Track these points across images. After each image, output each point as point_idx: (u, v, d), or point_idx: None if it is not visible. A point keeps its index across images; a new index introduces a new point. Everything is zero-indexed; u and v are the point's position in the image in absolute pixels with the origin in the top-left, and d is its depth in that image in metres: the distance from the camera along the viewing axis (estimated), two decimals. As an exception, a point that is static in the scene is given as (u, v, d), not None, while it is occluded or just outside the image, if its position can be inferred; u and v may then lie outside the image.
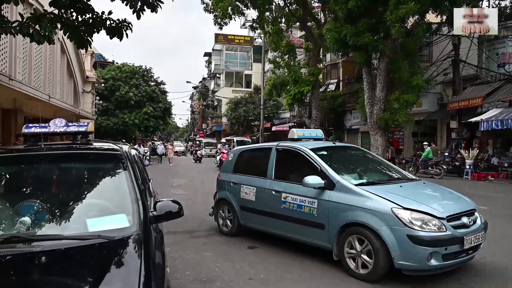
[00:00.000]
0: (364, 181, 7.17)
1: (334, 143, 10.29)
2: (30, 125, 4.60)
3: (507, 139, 23.09)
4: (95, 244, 3.16)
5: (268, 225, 8.14)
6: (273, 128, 49.98)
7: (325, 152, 7.92)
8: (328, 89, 39.18)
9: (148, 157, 35.59)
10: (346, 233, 6.50)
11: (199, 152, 43.53)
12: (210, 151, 50.98)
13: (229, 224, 9.25)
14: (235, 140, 44.70)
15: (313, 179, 6.89)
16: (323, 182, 6.87)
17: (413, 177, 8.28)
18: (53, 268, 2.98)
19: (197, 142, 57.72)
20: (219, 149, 34.52)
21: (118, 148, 4.55)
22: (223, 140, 38.03)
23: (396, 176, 7.85)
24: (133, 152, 4.92)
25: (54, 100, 18.97)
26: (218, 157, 32.21)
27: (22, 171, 4.32)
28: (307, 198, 7.17)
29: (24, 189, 4.07)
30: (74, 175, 4.42)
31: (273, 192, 7.89)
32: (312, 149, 7.74)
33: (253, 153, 10.01)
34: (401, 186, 7.02)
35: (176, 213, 3.82)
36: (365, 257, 6.19)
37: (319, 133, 9.47)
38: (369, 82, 24.80)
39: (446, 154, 24.51)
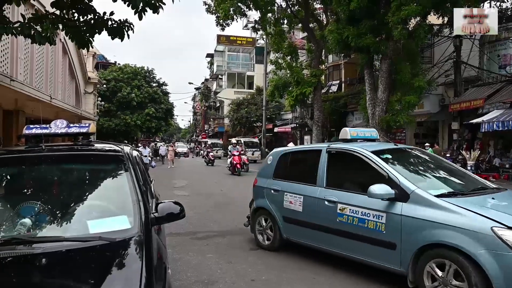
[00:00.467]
0: (445, 191, 5.93)
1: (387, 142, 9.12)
2: (31, 126, 4.59)
3: (508, 140, 23.07)
4: (96, 245, 3.16)
5: (319, 241, 6.98)
6: (275, 129, 49.97)
7: (389, 156, 6.82)
8: (330, 90, 39.20)
9: (151, 159, 34.80)
10: (426, 256, 5.41)
11: (211, 154, 39.62)
12: (216, 152, 50.49)
13: (270, 236, 8.12)
14: (242, 141, 42.73)
15: (381, 189, 5.81)
16: (393, 192, 5.78)
17: (495, 185, 6.86)
18: (53, 270, 2.97)
19: (210, 144, 52.76)
20: (230, 151, 30.74)
21: (119, 149, 4.53)
22: (234, 140, 35.02)
23: (479, 186, 6.54)
24: (135, 153, 4.91)
25: (56, 101, 18.99)
26: (229, 160, 29.11)
27: (23, 172, 4.31)
28: (371, 211, 6.06)
29: (25, 191, 4.05)
30: (75, 176, 4.40)
31: (326, 203, 6.75)
32: (374, 152, 6.64)
33: (297, 155, 8.64)
34: (493, 198, 5.82)
35: (178, 214, 3.81)
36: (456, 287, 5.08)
37: (373, 133, 8.25)
38: (371, 83, 24.80)
39: (448, 155, 24.47)
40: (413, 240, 5.54)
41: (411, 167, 6.99)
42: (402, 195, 5.79)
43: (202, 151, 57.46)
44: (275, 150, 9.09)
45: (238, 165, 27.14)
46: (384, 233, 5.88)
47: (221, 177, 25.43)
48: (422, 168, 7.07)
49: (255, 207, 8.56)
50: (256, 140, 45.07)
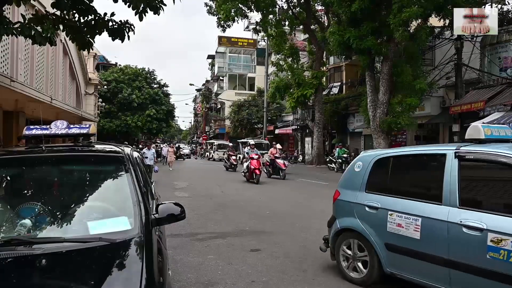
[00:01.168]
0: None
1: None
2: (31, 126, 4.59)
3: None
4: (96, 246, 3.15)
5: (451, 284, 5.00)
6: (276, 131, 50.04)
7: None
8: (331, 92, 39.27)
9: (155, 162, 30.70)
10: None
11: (233, 157, 32.49)
12: (223, 154, 49.39)
13: (361, 267, 6.21)
14: (251, 142, 37.42)
15: None
16: None
17: None
18: (53, 271, 2.96)
19: (231, 146, 39.89)
20: (247, 153, 25.56)
21: (120, 150, 4.52)
22: (252, 142, 28.56)
23: None
24: (135, 154, 4.90)
25: (56, 102, 18.96)
26: (245, 164, 24.11)
27: (23, 173, 4.30)
28: None
29: (25, 192, 4.06)
30: (76, 177, 4.40)
31: (465, 230, 4.81)
32: None
33: (403, 161, 6.35)
34: None
35: (178, 215, 3.80)
36: None
37: (508, 131, 5.88)
38: (372, 85, 24.86)
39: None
40: None
41: None
42: None
43: (208, 153, 57.11)
44: (364, 153, 7.03)
45: (257, 171, 22.29)
46: None
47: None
48: None
49: (339, 228, 6.58)
50: (267, 141, 41.46)
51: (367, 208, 6.08)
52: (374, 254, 5.93)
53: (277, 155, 25.67)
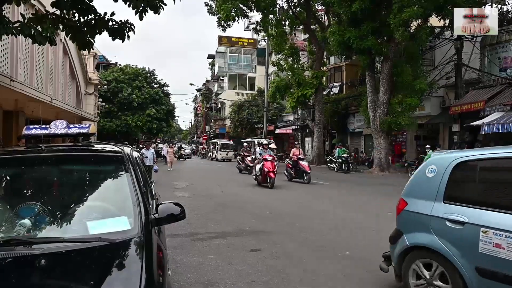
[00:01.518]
0: None
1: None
2: (31, 126, 4.57)
3: (509, 142, 23.04)
4: (96, 246, 3.13)
5: None
6: (277, 131, 50.08)
7: None
8: (331, 92, 39.30)
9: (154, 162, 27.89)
10: None
11: (248, 158, 29.81)
12: (227, 154, 49.73)
13: (443, 284, 4.95)
14: (264, 142, 28.36)
15: None
16: None
17: None
18: (53, 271, 2.95)
19: (246, 146, 35.85)
20: (259, 154, 22.31)
21: (120, 150, 4.51)
22: (265, 141, 25.87)
23: None
24: (135, 154, 4.89)
25: (56, 102, 18.94)
26: (258, 167, 21.32)
27: (22, 173, 4.29)
28: None
29: (25, 191, 4.04)
30: (75, 177, 4.38)
31: None
32: None
33: (499, 165, 4.92)
34: None
35: (178, 215, 3.79)
36: None
37: None
38: (372, 85, 24.90)
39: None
40: None
41: None
42: None
43: (210, 153, 57.06)
44: (438, 155, 5.74)
45: (271, 174, 19.99)
46: None
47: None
48: None
49: (408, 245, 5.36)
50: (272, 141, 38.80)
51: (448, 223, 4.86)
52: (458, 279, 4.71)
53: (301, 156, 23.33)
